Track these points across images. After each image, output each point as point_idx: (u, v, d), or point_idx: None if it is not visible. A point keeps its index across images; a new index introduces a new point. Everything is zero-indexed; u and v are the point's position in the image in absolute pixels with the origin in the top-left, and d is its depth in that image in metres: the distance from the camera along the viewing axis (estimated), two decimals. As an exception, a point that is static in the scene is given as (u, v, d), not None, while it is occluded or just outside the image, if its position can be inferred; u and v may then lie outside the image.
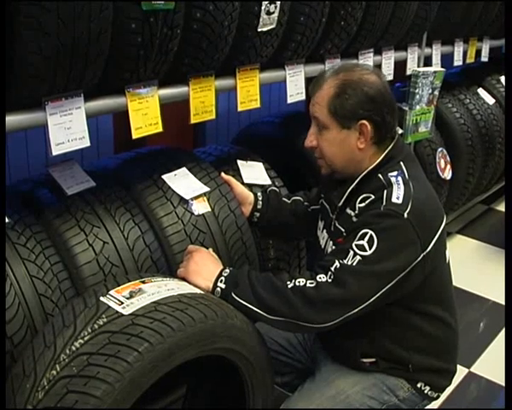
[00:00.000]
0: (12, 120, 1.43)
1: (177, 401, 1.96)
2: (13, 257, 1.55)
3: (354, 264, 1.50)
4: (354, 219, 1.63)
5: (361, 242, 1.52)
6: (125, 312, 1.40)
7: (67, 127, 1.51)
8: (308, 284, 1.52)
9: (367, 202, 1.61)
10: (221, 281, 1.60)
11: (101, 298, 1.46)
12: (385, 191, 1.58)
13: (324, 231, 1.80)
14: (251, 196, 2.02)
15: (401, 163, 1.65)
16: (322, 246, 1.79)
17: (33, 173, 1.96)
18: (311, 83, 1.69)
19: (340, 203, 1.67)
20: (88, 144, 1.56)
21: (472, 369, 2.66)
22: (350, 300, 1.51)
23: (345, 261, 1.52)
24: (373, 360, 1.70)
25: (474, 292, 3.26)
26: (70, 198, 1.72)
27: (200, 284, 1.61)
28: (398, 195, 1.56)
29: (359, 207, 1.62)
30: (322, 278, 1.53)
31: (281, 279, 1.57)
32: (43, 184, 1.80)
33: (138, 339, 1.33)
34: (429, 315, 1.69)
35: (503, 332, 2.91)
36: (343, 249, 1.55)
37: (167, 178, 1.88)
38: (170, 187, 1.86)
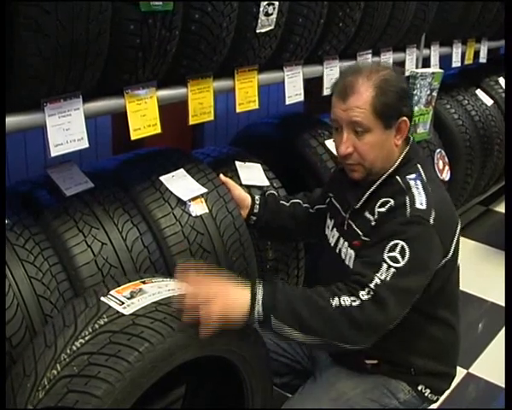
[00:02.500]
0: (11, 121, 1.43)
1: (177, 401, 1.97)
2: (12, 258, 1.55)
3: (389, 278, 1.47)
4: (373, 223, 1.59)
5: (393, 253, 1.48)
6: (126, 312, 1.40)
7: (66, 128, 1.51)
8: (353, 304, 1.45)
9: (387, 206, 1.58)
10: (257, 303, 1.44)
11: (102, 298, 1.47)
12: (407, 197, 1.55)
13: (334, 229, 1.77)
14: (248, 199, 2.01)
15: (418, 165, 1.63)
16: (332, 244, 1.76)
17: (32, 175, 1.96)
18: (338, 91, 1.60)
19: (358, 206, 1.64)
20: (86, 145, 1.57)
21: (470, 370, 2.67)
22: (389, 323, 1.49)
23: (380, 275, 1.47)
24: (375, 361, 1.69)
25: (473, 293, 3.27)
26: (68, 199, 1.72)
27: (238, 314, 1.44)
28: (421, 200, 1.53)
29: (379, 212, 1.59)
30: (363, 295, 1.46)
31: (321, 295, 1.48)
32: (41, 185, 1.80)
33: (139, 339, 1.33)
34: (439, 319, 1.69)
35: (501, 333, 2.91)
36: (375, 262, 1.50)
37: (165, 179, 1.88)
38: (168, 188, 1.86)
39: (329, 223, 1.83)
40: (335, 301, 1.45)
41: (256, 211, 2.00)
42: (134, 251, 1.73)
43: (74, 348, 1.34)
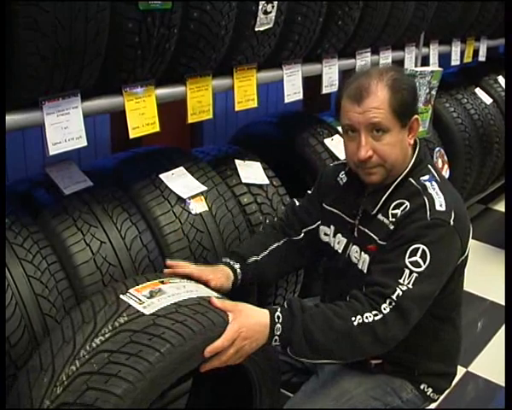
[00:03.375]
0: (9, 119, 1.43)
1: (176, 401, 1.96)
2: (10, 257, 1.55)
3: (411, 285, 1.46)
4: (391, 226, 1.56)
5: (414, 258, 1.48)
6: (147, 311, 1.39)
7: (64, 127, 1.51)
8: (375, 319, 1.45)
9: (402, 208, 1.56)
10: (275, 341, 1.47)
11: (121, 296, 1.46)
12: (425, 199, 1.54)
13: (339, 235, 1.73)
14: (229, 283, 1.75)
15: (429, 166, 1.63)
16: (340, 250, 1.72)
17: (30, 173, 1.96)
18: (352, 94, 1.56)
19: (375, 211, 1.61)
20: (85, 144, 1.56)
21: (470, 369, 2.67)
22: (409, 329, 1.50)
23: (402, 282, 1.47)
24: (379, 361, 1.68)
25: (472, 292, 3.27)
26: (67, 198, 1.72)
27: (261, 342, 1.46)
28: (440, 202, 1.52)
29: (393, 214, 1.57)
30: (385, 308, 1.46)
31: (342, 316, 1.47)
32: (40, 184, 1.80)
33: (160, 340, 1.32)
34: (447, 321, 1.69)
35: (500, 332, 2.91)
36: (396, 268, 1.49)
37: (165, 177, 1.88)
38: (167, 186, 1.86)
39: (327, 230, 1.79)
40: (358, 319, 1.45)
41: (239, 281, 1.80)
42: (133, 250, 1.73)
43: (94, 345, 1.33)
